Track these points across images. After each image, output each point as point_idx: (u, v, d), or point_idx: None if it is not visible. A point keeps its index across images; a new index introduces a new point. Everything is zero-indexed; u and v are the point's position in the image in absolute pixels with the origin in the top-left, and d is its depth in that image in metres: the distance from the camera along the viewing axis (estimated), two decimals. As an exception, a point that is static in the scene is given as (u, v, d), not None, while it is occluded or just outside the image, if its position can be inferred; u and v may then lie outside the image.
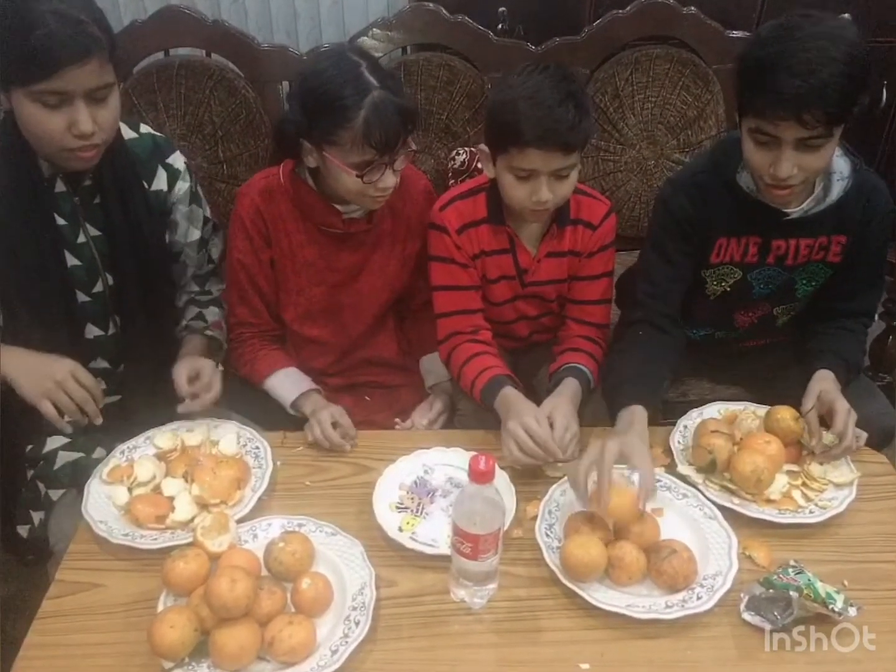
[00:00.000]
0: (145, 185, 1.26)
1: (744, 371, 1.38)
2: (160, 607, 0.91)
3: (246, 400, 1.32)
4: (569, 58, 1.74)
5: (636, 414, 1.11)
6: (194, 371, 1.25)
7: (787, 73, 1.02)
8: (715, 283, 1.28)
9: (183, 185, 1.30)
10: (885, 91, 2.20)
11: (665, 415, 1.34)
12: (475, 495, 0.88)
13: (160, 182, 1.28)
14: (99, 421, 1.13)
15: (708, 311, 1.33)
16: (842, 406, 1.11)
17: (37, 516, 1.20)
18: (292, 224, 1.29)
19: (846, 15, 2.01)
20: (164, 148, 1.29)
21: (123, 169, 1.21)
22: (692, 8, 1.76)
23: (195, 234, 1.34)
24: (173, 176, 1.29)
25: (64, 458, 1.19)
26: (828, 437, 1.11)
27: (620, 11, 1.76)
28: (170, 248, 1.33)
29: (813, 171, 1.11)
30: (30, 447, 1.26)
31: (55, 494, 1.17)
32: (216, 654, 0.86)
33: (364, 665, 0.89)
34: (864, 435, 1.12)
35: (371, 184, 1.16)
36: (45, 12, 1.01)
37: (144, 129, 1.29)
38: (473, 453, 0.90)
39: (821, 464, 1.12)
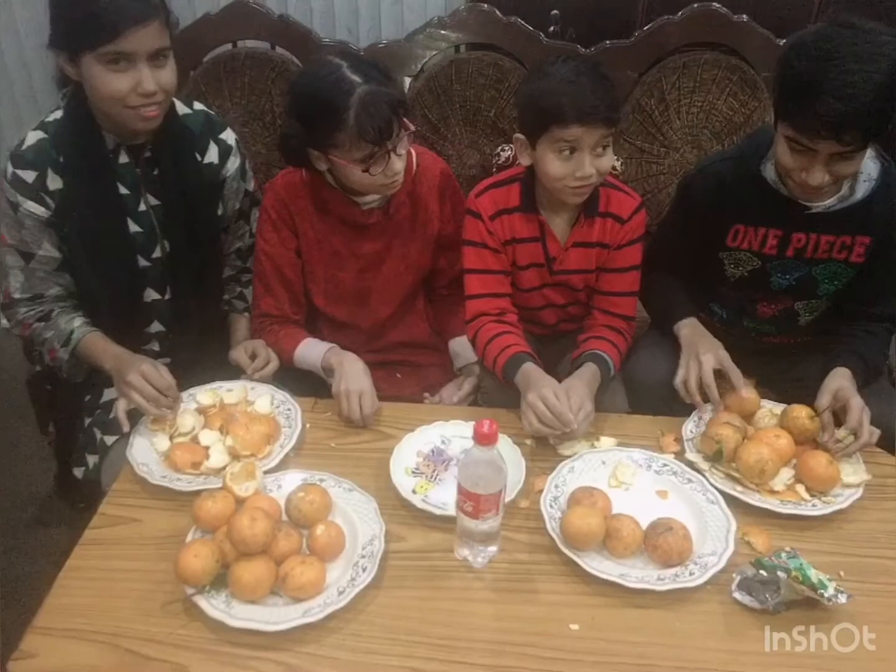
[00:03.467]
0: (198, 157, 1.35)
1: (766, 369, 1.40)
2: (188, 540, 1.00)
3: (280, 375, 1.40)
4: (618, 61, 1.78)
5: (696, 325, 1.29)
6: (250, 351, 1.37)
7: (828, 96, 1.03)
8: (732, 266, 1.32)
9: (235, 161, 1.40)
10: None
11: (685, 410, 1.37)
12: (479, 457, 0.94)
13: (212, 155, 1.37)
14: (170, 414, 1.21)
15: (730, 292, 1.38)
16: (856, 403, 1.13)
17: (91, 460, 1.31)
18: (316, 216, 1.37)
19: None
20: (216, 124, 1.39)
21: (178, 141, 1.31)
22: (743, 16, 1.78)
23: (235, 204, 1.44)
24: (225, 151, 1.38)
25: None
26: (841, 432, 1.13)
27: (672, 17, 1.79)
28: (220, 220, 1.43)
29: (844, 177, 1.14)
30: (88, 397, 1.38)
31: (109, 440, 1.28)
32: (234, 584, 0.94)
33: (368, 607, 0.95)
34: (878, 432, 1.14)
35: (379, 174, 1.23)
36: None
37: (198, 105, 1.39)
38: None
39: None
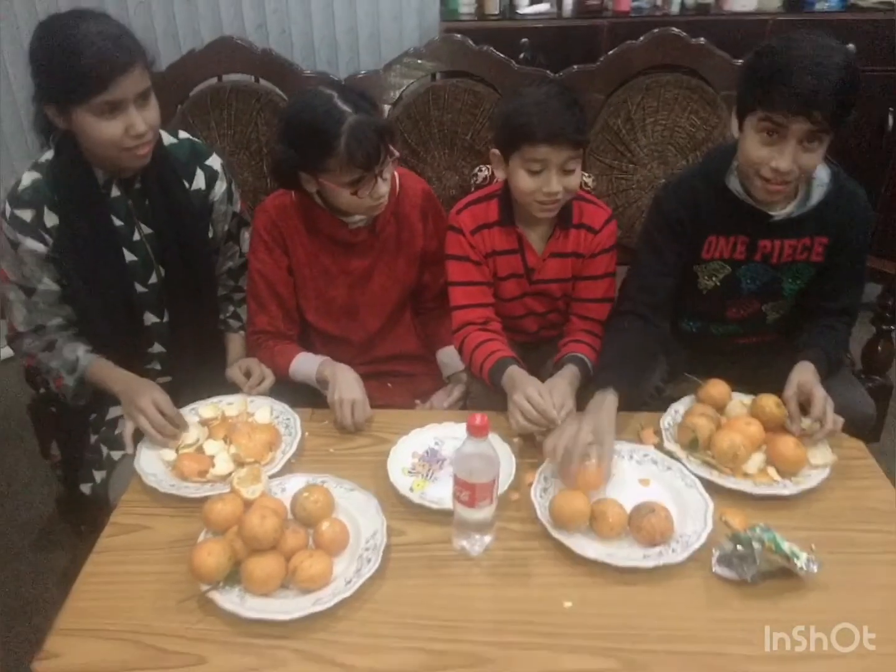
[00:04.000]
0: (186, 184, 1.41)
1: (737, 367, 1.48)
2: (200, 540, 1.06)
3: (276, 389, 1.45)
4: (585, 84, 1.88)
5: (607, 398, 1.23)
6: (245, 369, 1.43)
7: (802, 72, 1.14)
8: (706, 277, 1.40)
9: (222, 185, 1.46)
10: (891, 117, 2.31)
11: (664, 406, 1.44)
12: (472, 449, 1.01)
13: (199, 182, 1.43)
14: (174, 444, 1.26)
15: (702, 305, 1.44)
16: (819, 393, 1.22)
17: (98, 475, 1.36)
18: (306, 236, 1.45)
19: (851, 45, 2.16)
20: (201, 151, 1.45)
21: (166, 171, 1.37)
22: (701, 39, 1.89)
23: (224, 226, 1.50)
24: (211, 176, 1.45)
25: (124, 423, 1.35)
26: (806, 422, 1.21)
27: (634, 42, 1.90)
28: (210, 243, 1.49)
29: (807, 170, 1.23)
30: (93, 416, 1.43)
31: (116, 455, 1.33)
32: (247, 578, 0.99)
33: (374, 596, 1.01)
34: (841, 420, 1.22)
35: (366, 196, 1.31)
36: (88, 34, 1.18)
37: (183, 134, 1.45)
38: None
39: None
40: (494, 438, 1.22)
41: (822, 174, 1.30)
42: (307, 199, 1.40)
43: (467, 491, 1.02)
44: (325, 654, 0.94)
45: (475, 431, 0.99)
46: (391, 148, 1.33)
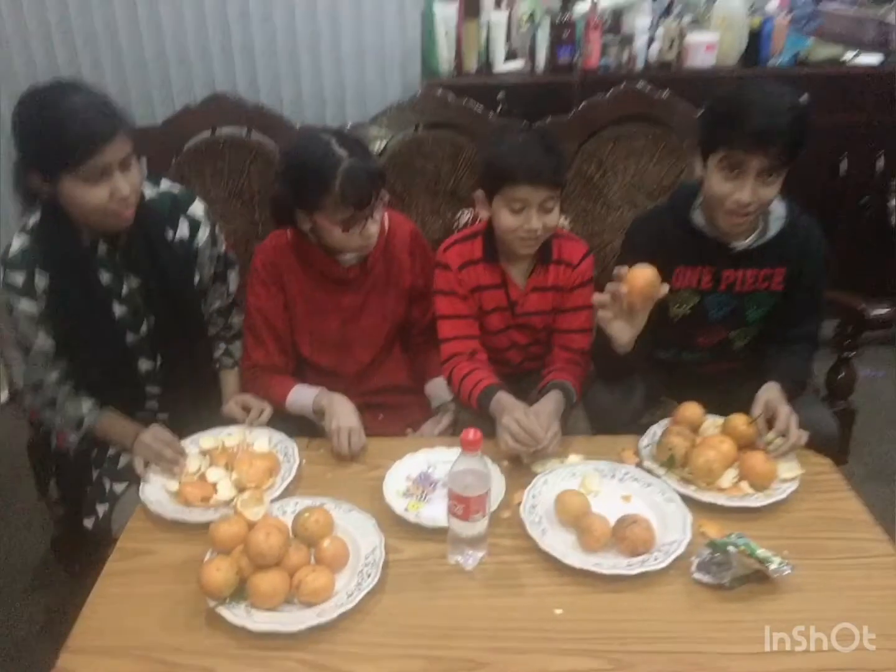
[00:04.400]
0: (170, 235, 1.46)
1: (709, 391, 1.55)
2: (206, 559, 1.10)
3: (271, 421, 1.50)
4: (559, 133, 1.99)
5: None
6: (243, 404, 1.49)
7: (756, 114, 1.27)
8: (676, 306, 1.49)
9: (205, 231, 1.51)
10: (843, 163, 2.47)
11: (643, 431, 1.52)
12: (465, 464, 1.07)
13: (183, 230, 1.49)
14: (179, 470, 1.32)
15: (673, 333, 1.53)
16: (784, 410, 1.31)
17: (101, 509, 1.40)
18: (301, 273, 1.53)
19: (805, 95, 2.32)
20: (182, 200, 1.50)
21: (150, 225, 1.41)
22: (665, 92, 2.03)
23: (210, 270, 1.56)
24: (195, 224, 1.50)
25: (127, 457, 1.40)
26: (770, 435, 1.30)
27: (603, 95, 2.03)
28: (198, 288, 1.54)
29: (765, 202, 1.34)
30: (95, 451, 1.47)
31: (119, 487, 1.38)
32: (253, 593, 1.04)
33: (375, 608, 1.06)
34: (805, 434, 1.31)
35: (356, 234, 1.41)
36: (73, 105, 1.24)
37: (165, 184, 1.50)
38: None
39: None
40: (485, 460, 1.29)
41: (779, 208, 1.42)
42: (302, 239, 1.49)
43: (462, 504, 1.08)
44: (329, 663, 0.99)
45: (468, 446, 1.06)
46: (382, 191, 1.42)
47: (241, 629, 1.02)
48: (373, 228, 1.43)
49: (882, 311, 1.61)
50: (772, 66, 2.44)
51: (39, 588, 1.82)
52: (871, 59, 2.45)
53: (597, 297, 1.33)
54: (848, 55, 2.45)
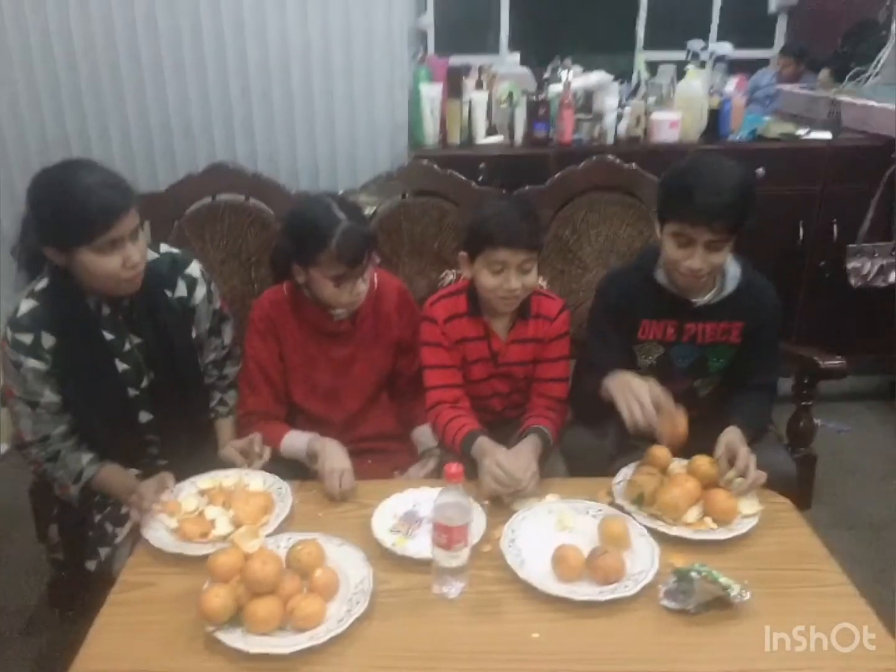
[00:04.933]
0: (168, 294, 1.57)
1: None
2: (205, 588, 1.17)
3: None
4: (536, 201, 2.14)
5: (621, 375, 1.47)
6: (239, 447, 1.56)
7: (702, 193, 1.41)
8: (643, 356, 1.62)
9: (201, 290, 1.62)
10: (801, 229, 2.65)
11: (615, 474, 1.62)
12: (448, 497, 1.17)
13: (181, 289, 1.60)
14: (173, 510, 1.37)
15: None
16: (743, 451, 1.42)
17: (103, 552, 1.47)
18: (295, 326, 1.65)
19: (760, 169, 2.51)
20: (181, 262, 1.61)
21: (150, 286, 1.52)
22: (633, 164, 2.19)
23: (207, 325, 1.66)
24: (192, 283, 1.61)
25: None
26: (731, 473, 1.40)
27: (575, 167, 2.18)
28: (194, 342, 1.64)
29: (716, 266, 1.48)
30: (97, 497, 1.54)
31: (120, 532, 1.45)
32: (248, 619, 1.11)
33: (363, 634, 1.13)
34: (763, 474, 1.41)
35: (346, 291, 1.53)
36: (90, 184, 1.36)
37: (164, 248, 1.62)
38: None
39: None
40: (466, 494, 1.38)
41: (734, 269, 1.56)
42: (298, 294, 1.61)
43: (445, 535, 1.17)
44: (321, 683, 1.06)
45: (451, 478, 1.15)
46: (373, 255, 1.55)
47: (238, 652, 1.08)
48: (361, 287, 1.55)
49: (834, 362, 1.74)
50: (731, 141, 2.65)
51: (34, 632, 1.85)
52: (823, 134, 2.67)
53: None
54: (801, 131, 2.67)
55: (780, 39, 5.00)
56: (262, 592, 1.13)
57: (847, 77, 2.97)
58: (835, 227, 2.66)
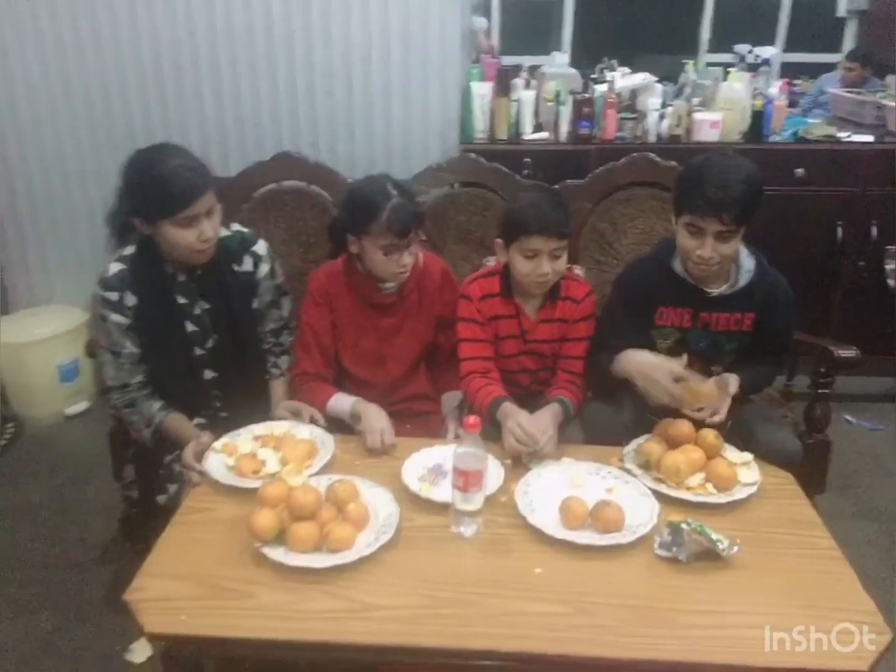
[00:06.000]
0: (236, 268, 1.77)
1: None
2: (255, 513, 1.36)
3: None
4: (576, 195, 2.27)
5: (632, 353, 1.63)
6: (293, 409, 1.75)
7: (712, 187, 1.53)
8: (661, 340, 1.73)
9: (265, 266, 1.82)
10: (840, 230, 2.70)
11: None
12: (466, 446, 1.32)
13: (247, 265, 1.79)
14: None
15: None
16: (733, 385, 1.57)
17: (172, 487, 1.68)
18: (348, 297, 1.83)
19: (800, 169, 2.58)
20: (249, 239, 1.81)
21: (220, 259, 1.73)
22: (673, 162, 2.30)
23: (269, 297, 1.85)
24: (257, 260, 1.81)
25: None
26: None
27: (616, 163, 2.29)
28: (255, 312, 1.84)
29: (726, 256, 1.59)
30: (167, 441, 1.75)
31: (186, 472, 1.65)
32: (291, 538, 1.29)
33: (388, 559, 1.30)
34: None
35: (394, 262, 1.70)
36: (176, 167, 1.57)
37: (234, 226, 1.82)
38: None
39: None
40: (490, 460, 1.53)
41: (748, 263, 1.67)
42: (351, 267, 1.79)
43: (462, 478, 1.32)
44: (347, 594, 1.23)
45: (469, 427, 1.31)
46: (418, 231, 1.72)
47: (280, 565, 1.27)
48: (407, 259, 1.72)
49: (849, 352, 1.82)
50: (772, 142, 2.72)
51: (108, 562, 2.10)
52: (865, 137, 2.71)
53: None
54: (842, 134, 2.71)
55: (849, 44, 4.95)
56: (303, 517, 1.31)
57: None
58: (874, 228, 2.70)
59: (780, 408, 1.96)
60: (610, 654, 1.14)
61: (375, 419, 1.66)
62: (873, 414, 2.86)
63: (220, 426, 1.70)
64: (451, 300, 1.89)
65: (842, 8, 4.89)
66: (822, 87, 4.21)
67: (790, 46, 4.75)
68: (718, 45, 4.74)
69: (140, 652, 1.77)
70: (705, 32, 4.86)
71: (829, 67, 4.60)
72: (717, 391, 1.56)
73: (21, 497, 2.43)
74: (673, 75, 3.10)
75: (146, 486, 1.77)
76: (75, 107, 2.65)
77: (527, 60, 3.06)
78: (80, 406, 2.90)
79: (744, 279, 1.66)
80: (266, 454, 1.55)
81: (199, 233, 1.61)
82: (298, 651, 1.21)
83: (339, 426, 1.75)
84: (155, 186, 1.57)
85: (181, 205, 1.57)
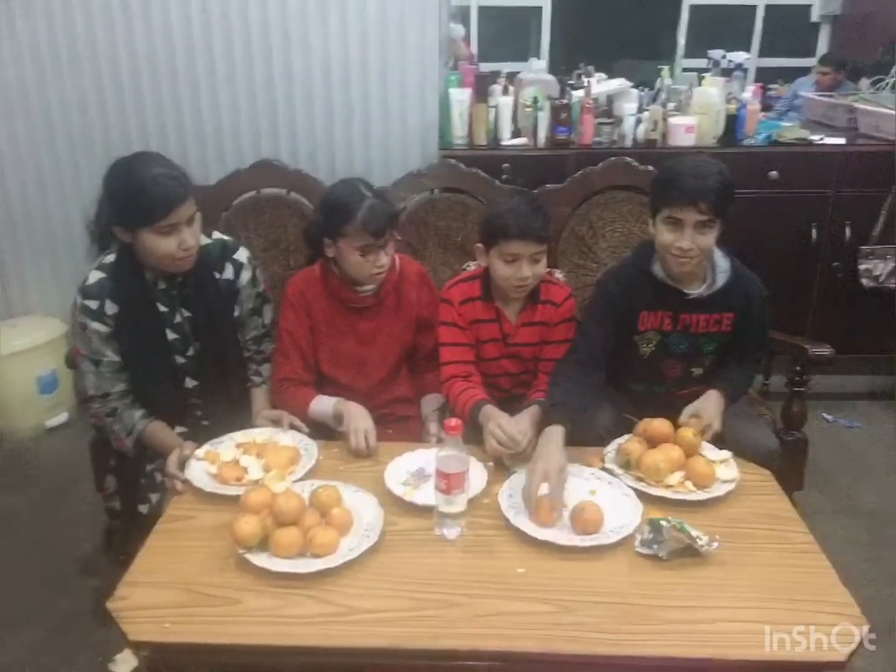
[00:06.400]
0: (217, 275, 1.77)
1: (672, 413, 1.80)
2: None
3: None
4: (555, 199, 2.29)
5: (554, 432, 1.54)
6: (273, 417, 1.74)
7: (688, 179, 1.58)
8: (644, 345, 1.76)
9: (246, 274, 1.82)
10: (814, 231, 2.75)
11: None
12: (449, 447, 1.33)
13: (228, 272, 1.79)
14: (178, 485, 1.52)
15: (643, 367, 1.80)
16: (708, 412, 1.62)
17: (154, 497, 1.68)
18: (325, 301, 1.83)
19: (774, 172, 2.62)
20: (230, 247, 1.81)
21: (201, 267, 1.73)
22: (649, 166, 2.33)
23: (250, 305, 1.85)
24: (238, 267, 1.81)
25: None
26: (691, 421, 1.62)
27: (594, 167, 2.32)
28: (237, 320, 1.84)
29: (704, 248, 1.62)
30: (148, 450, 1.75)
31: (168, 481, 1.65)
32: (274, 544, 1.29)
33: (372, 563, 1.30)
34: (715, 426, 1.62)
35: (370, 263, 1.71)
36: (156, 175, 1.57)
37: (216, 235, 1.82)
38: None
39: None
40: (472, 461, 1.54)
41: (724, 264, 1.70)
42: (328, 272, 1.80)
43: (444, 481, 1.33)
44: (332, 599, 1.23)
45: (451, 430, 1.32)
46: (394, 232, 1.73)
47: (264, 570, 1.27)
48: (384, 259, 1.73)
49: (822, 350, 1.85)
50: (746, 145, 2.76)
51: (90, 574, 2.08)
52: (838, 140, 2.76)
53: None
54: (815, 137, 2.76)
55: (822, 48, 5.04)
56: (287, 523, 1.32)
57: (868, 84, 3.05)
58: (847, 229, 2.75)
59: (758, 406, 1.99)
60: (594, 650, 1.15)
61: (359, 419, 1.67)
62: (850, 412, 2.91)
63: (201, 434, 1.70)
64: (428, 302, 1.91)
65: (815, 13, 4.99)
66: (797, 91, 4.30)
67: (766, 51, 4.85)
68: (695, 50, 4.83)
69: (124, 663, 1.76)
70: (681, 38, 4.94)
71: (805, 71, 4.70)
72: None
73: (1, 510, 2.40)
74: (650, 81, 3.14)
75: (128, 497, 1.76)
76: (52, 118, 2.63)
77: (504, 67, 3.09)
78: (61, 418, 2.88)
79: (721, 279, 1.69)
80: (248, 461, 1.55)
81: (179, 241, 1.60)
82: (284, 656, 1.20)
83: (322, 432, 1.75)
84: (135, 194, 1.57)
85: (161, 213, 1.57)
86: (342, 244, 1.72)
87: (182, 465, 1.56)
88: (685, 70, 3.25)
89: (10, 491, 2.50)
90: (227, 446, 1.62)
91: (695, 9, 4.87)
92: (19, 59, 2.55)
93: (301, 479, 1.51)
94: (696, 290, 1.69)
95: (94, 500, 2.09)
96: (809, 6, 4.97)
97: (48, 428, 2.84)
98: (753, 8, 4.95)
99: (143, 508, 1.69)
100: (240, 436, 1.66)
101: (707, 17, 4.95)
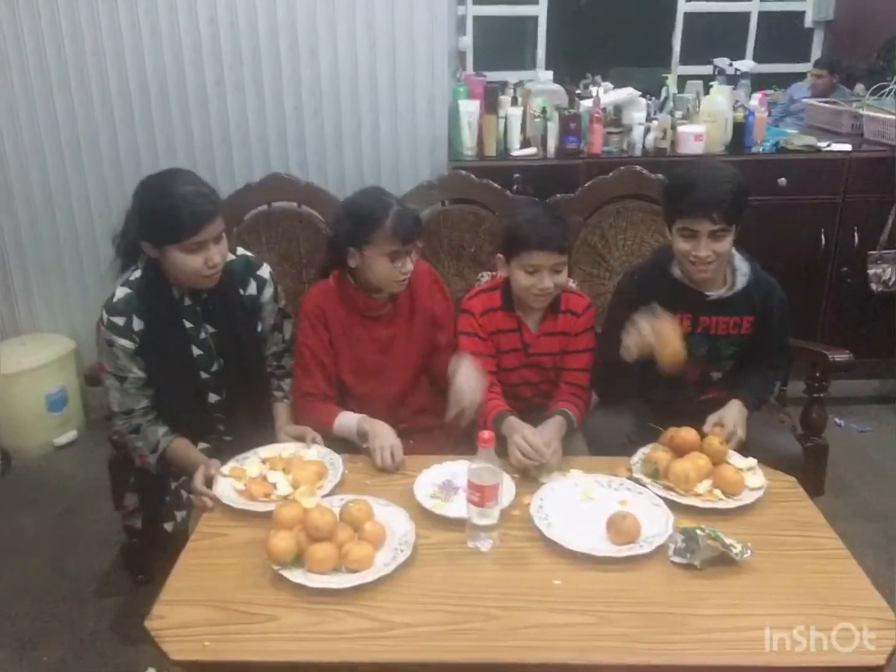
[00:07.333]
0: (241, 292, 1.78)
1: (694, 421, 1.81)
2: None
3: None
4: (567, 209, 2.30)
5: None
6: (295, 434, 1.74)
7: (700, 189, 1.59)
8: None
9: (269, 290, 1.83)
10: (823, 236, 2.77)
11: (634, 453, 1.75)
12: (481, 461, 1.33)
13: (252, 289, 1.80)
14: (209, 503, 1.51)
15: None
16: (730, 421, 1.62)
17: (179, 514, 1.67)
18: (342, 313, 1.83)
19: (783, 179, 2.64)
20: (254, 263, 1.83)
21: (226, 283, 1.73)
22: (659, 174, 2.34)
23: (272, 321, 1.86)
24: (262, 284, 1.82)
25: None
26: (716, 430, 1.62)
27: (605, 176, 2.34)
28: (260, 336, 1.85)
29: (721, 255, 1.63)
30: (172, 467, 1.74)
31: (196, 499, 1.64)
32: (309, 559, 1.29)
33: (407, 577, 1.30)
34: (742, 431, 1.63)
35: (397, 269, 1.71)
36: (186, 193, 1.58)
37: (240, 251, 1.83)
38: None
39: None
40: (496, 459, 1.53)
41: (744, 267, 1.71)
42: (343, 283, 1.80)
43: (478, 493, 1.33)
44: (370, 613, 1.23)
45: (483, 443, 1.32)
46: (418, 240, 1.75)
47: (300, 587, 1.26)
48: (409, 265, 1.74)
49: (843, 356, 1.87)
50: (754, 153, 2.78)
51: (108, 593, 2.06)
52: (844, 146, 2.78)
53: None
54: (822, 143, 2.79)
55: (816, 53, 5.09)
56: (320, 538, 1.31)
57: (870, 90, 3.08)
58: (856, 234, 2.77)
59: (777, 413, 2.00)
60: (636, 660, 1.15)
61: (384, 437, 1.66)
62: (861, 416, 2.92)
63: (224, 450, 1.70)
64: (441, 299, 1.92)
65: (809, 19, 5.04)
66: (792, 96, 4.35)
67: (759, 57, 4.89)
68: (690, 58, 4.87)
69: (149, 682, 1.75)
70: (677, 45, 4.98)
71: (799, 77, 4.74)
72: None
73: (15, 530, 2.38)
74: (650, 88, 3.16)
75: (150, 514, 1.75)
76: (59, 133, 2.63)
77: (502, 76, 3.10)
78: (70, 436, 2.86)
79: (741, 282, 1.70)
80: (276, 477, 1.54)
81: (206, 258, 1.60)
82: (324, 672, 1.20)
83: (344, 445, 1.75)
84: (166, 211, 1.57)
85: (191, 231, 1.57)
86: (368, 252, 1.72)
87: (209, 481, 1.55)
88: (684, 77, 3.26)
89: (22, 509, 2.49)
90: (252, 462, 1.62)
91: (688, 16, 4.91)
92: (26, 72, 2.56)
93: (329, 494, 1.50)
94: (715, 293, 1.70)
95: (108, 518, 2.09)
96: (803, 12, 5.02)
97: (57, 446, 2.83)
98: (748, 14, 4.99)
99: (168, 526, 1.69)
100: (265, 451, 1.65)
101: (701, 25, 4.99)
